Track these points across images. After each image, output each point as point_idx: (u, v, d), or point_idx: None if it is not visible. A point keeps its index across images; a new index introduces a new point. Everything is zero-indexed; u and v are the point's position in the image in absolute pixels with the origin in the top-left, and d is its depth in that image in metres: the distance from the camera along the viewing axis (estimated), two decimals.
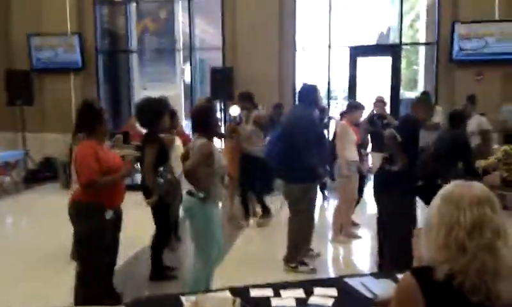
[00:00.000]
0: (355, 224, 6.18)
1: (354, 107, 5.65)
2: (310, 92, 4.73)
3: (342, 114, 5.58)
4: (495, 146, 6.74)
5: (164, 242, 4.57)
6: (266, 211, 6.49)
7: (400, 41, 10.15)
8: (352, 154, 5.47)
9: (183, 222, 5.00)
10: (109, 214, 3.45)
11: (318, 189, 5.05)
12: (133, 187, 5.30)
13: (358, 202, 6.06)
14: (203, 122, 3.60)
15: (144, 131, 4.59)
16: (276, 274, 4.45)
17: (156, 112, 4.38)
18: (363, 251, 5.59)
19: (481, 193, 1.47)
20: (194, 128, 3.71)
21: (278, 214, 6.45)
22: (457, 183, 1.53)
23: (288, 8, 9.84)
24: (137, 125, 4.89)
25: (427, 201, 4.64)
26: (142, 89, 10.34)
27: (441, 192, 1.53)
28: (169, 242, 4.85)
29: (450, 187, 1.52)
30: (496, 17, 9.03)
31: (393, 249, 4.09)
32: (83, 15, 10.42)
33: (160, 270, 4.53)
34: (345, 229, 5.74)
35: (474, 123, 6.82)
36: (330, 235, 5.86)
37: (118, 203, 3.62)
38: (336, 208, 5.83)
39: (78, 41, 10.16)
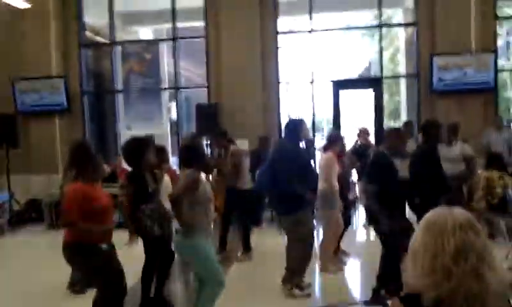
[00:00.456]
0: (345, 253, 6.17)
1: (334, 139, 5.71)
2: (296, 125, 4.92)
3: (325, 147, 5.61)
4: (479, 171, 6.80)
5: (151, 274, 4.52)
6: (248, 248, 6.42)
7: (382, 74, 10.40)
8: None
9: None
10: (104, 247, 3.52)
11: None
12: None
13: (344, 230, 6.06)
14: (190, 158, 3.65)
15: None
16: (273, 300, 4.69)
17: (140, 150, 4.40)
18: (354, 279, 5.58)
19: (463, 218, 1.49)
20: (182, 164, 3.75)
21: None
22: (439, 210, 1.56)
23: (271, 46, 10.05)
24: (124, 164, 4.93)
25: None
26: (127, 129, 10.34)
27: (424, 218, 1.56)
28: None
29: (432, 213, 1.55)
30: (473, 48, 9.31)
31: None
32: (68, 58, 10.51)
33: (148, 302, 4.50)
34: (333, 259, 5.74)
35: (458, 149, 6.93)
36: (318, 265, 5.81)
37: (108, 240, 3.63)
38: (323, 239, 5.81)
39: (63, 84, 10.20)
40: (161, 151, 5.40)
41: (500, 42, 10.87)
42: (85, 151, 3.51)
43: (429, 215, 1.55)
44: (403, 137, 4.84)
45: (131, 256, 4.51)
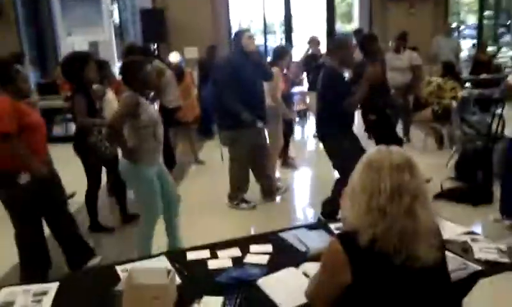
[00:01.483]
0: (293, 160, 6.35)
1: (280, 54, 5.54)
2: (236, 36, 4.77)
3: (271, 63, 5.43)
4: (431, 78, 6.88)
5: (95, 194, 4.48)
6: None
7: None
8: None
9: None
10: (24, 178, 3.18)
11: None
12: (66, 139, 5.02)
13: (286, 146, 6.14)
14: (127, 77, 3.42)
15: None
16: (221, 214, 4.77)
17: (78, 65, 4.15)
18: (301, 199, 5.56)
19: (401, 159, 1.50)
20: (123, 82, 3.53)
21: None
22: (378, 149, 1.56)
23: None
24: None
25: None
26: (67, 35, 9.68)
27: (363, 157, 1.56)
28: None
29: (371, 153, 1.56)
30: None
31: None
32: None
33: (97, 222, 4.54)
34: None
35: (406, 58, 6.94)
36: None
37: (37, 163, 3.25)
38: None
39: None
40: (103, 66, 5.15)
41: None
42: (4, 67, 3.22)
43: (368, 154, 1.56)
44: (352, 48, 4.65)
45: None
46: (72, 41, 9.94)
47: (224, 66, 4.74)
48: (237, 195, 4.97)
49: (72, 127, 5.94)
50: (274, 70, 5.15)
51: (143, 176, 3.38)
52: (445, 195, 4.75)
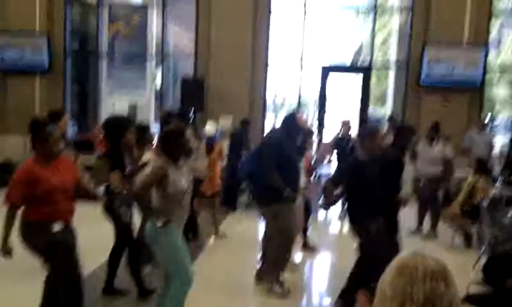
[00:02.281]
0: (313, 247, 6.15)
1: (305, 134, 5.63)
2: (286, 120, 4.88)
3: None
4: (468, 177, 6.74)
5: (120, 253, 4.48)
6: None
7: (371, 63, 10.33)
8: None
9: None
10: (56, 227, 3.43)
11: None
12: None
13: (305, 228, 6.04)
14: (173, 145, 3.52)
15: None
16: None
17: (119, 129, 4.36)
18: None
19: (435, 266, 1.44)
20: (163, 149, 3.60)
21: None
22: (412, 254, 1.50)
23: (263, 20, 9.85)
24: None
25: None
26: (109, 95, 10.11)
27: (395, 261, 1.50)
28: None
29: (404, 258, 1.49)
30: (465, 42, 9.25)
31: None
32: (52, 14, 10.12)
33: (111, 285, 4.49)
34: None
35: (438, 150, 6.92)
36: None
37: (62, 218, 3.54)
38: None
39: (46, 42, 9.87)
40: (143, 131, 5.30)
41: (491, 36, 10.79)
42: (37, 130, 3.42)
43: (400, 257, 1.50)
44: (378, 140, 4.70)
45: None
46: (112, 101, 10.34)
47: (273, 144, 4.74)
48: (272, 272, 4.71)
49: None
50: None
51: (173, 235, 3.42)
52: (470, 300, 4.56)
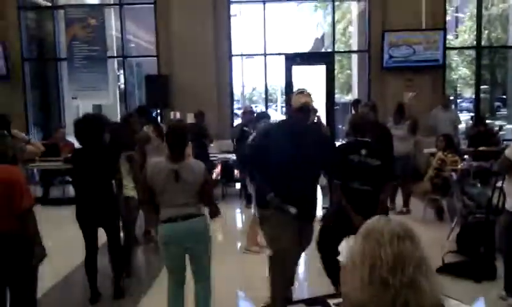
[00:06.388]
0: None
1: (260, 118, 5.58)
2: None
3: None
4: (436, 152, 6.87)
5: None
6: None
7: (333, 50, 10.41)
8: None
9: None
10: None
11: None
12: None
13: None
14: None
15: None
16: None
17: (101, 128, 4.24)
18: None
19: (401, 227, 1.45)
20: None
21: None
22: (377, 219, 1.51)
23: (223, 10, 9.80)
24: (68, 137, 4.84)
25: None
26: (72, 98, 9.87)
27: (362, 228, 1.51)
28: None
29: (369, 223, 1.50)
30: (423, 26, 9.43)
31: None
32: (6, 21, 9.83)
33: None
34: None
35: (404, 128, 7.05)
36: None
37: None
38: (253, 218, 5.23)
39: (1, 49, 9.57)
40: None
41: (448, 18, 11.06)
42: None
43: (366, 224, 1.51)
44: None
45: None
46: (76, 103, 10.13)
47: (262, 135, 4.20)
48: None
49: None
50: None
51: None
52: (446, 269, 4.64)
